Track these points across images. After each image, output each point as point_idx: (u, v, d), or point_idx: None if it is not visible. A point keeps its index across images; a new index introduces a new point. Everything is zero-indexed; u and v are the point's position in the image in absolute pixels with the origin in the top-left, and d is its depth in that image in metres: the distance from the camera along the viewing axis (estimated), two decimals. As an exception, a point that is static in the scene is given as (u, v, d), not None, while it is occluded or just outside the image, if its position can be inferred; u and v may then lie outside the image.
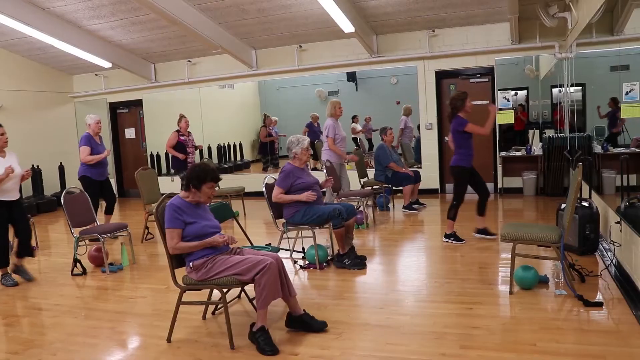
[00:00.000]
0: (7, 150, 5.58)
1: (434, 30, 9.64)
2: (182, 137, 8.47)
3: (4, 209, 5.50)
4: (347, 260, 5.41)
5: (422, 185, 8.89)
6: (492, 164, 9.81)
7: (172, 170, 9.40)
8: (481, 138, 9.75)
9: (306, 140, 5.51)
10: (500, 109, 9.38)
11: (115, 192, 7.63)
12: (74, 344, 3.91)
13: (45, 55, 11.36)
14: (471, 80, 9.98)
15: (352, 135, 11.98)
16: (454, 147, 6.30)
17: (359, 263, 5.38)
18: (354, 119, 12.20)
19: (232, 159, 13.60)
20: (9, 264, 5.69)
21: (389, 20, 9.32)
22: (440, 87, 10.06)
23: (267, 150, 12.80)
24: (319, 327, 3.77)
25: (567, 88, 8.55)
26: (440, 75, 10.00)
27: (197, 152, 8.98)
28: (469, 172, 6.23)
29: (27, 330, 4.32)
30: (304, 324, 3.78)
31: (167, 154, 12.35)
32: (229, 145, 13.47)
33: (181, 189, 3.87)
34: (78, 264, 5.90)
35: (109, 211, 7.64)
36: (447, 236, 6.26)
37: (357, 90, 12.55)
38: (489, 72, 9.71)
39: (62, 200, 5.98)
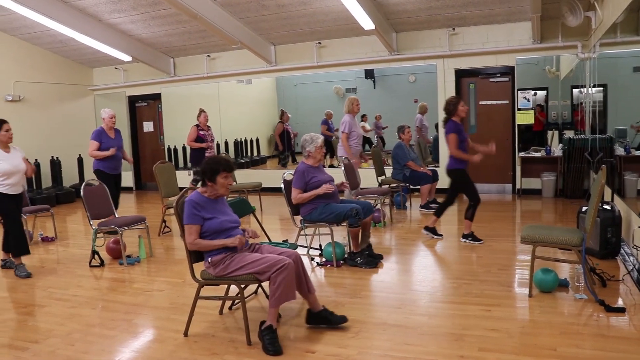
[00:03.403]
0: (12, 146, 5.70)
1: (454, 29, 9.56)
2: (201, 132, 8.49)
3: (12, 202, 5.67)
4: (359, 258, 5.39)
5: (440, 184, 8.82)
6: (511, 165, 9.73)
7: (189, 164, 9.43)
8: (500, 137, 9.76)
9: (320, 138, 5.50)
10: (520, 109, 9.32)
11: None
12: (91, 335, 3.94)
13: (66, 48, 11.46)
14: (491, 80, 9.89)
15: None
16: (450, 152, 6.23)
17: (371, 262, 5.35)
18: (363, 117, 12.13)
19: (249, 154, 13.64)
20: (28, 253, 5.85)
21: (409, 17, 9.26)
22: (459, 86, 9.98)
23: (285, 146, 12.79)
24: (339, 321, 3.76)
25: (589, 89, 8.45)
26: (460, 74, 9.92)
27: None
28: (466, 173, 6.20)
29: (46, 320, 4.36)
30: (323, 319, 3.77)
31: (184, 148, 12.45)
32: (245, 141, 13.51)
33: (191, 183, 3.87)
34: (96, 256, 5.95)
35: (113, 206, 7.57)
36: (465, 236, 6.23)
37: (374, 87, 12.52)
38: (509, 71, 9.61)
39: (81, 193, 6.02)
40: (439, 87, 10.00)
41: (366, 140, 11.72)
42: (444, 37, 9.67)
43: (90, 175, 8.93)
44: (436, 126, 10.41)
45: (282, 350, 3.44)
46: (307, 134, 5.56)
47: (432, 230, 6.52)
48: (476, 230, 6.23)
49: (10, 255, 5.92)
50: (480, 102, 10.01)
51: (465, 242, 6.19)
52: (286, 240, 5.85)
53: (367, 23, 8.50)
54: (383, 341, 3.56)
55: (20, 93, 11.11)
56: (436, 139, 10.44)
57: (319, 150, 5.46)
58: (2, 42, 10.79)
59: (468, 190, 6.22)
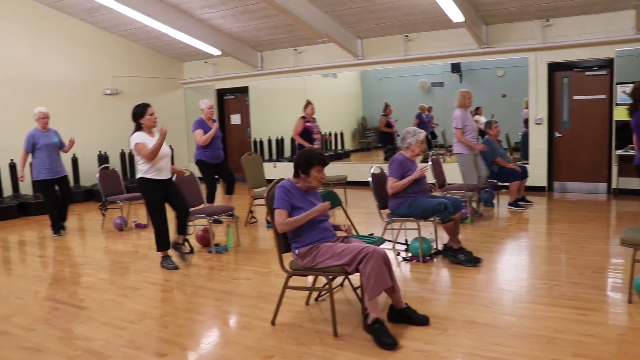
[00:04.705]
0: (155, 131, 5.70)
1: (547, 20, 9.16)
2: (307, 124, 8.41)
3: (160, 188, 5.59)
4: (461, 255, 5.26)
5: (529, 182, 8.52)
6: (607, 163, 9.23)
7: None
8: (594, 134, 9.29)
9: (422, 133, 5.46)
10: (619, 104, 8.81)
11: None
12: (183, 319, 4.10)
13: (160, 43, 11.96)
14: (587, 73, 9.41)
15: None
16: (637, 145, 5.63)
17: (474, 259, 5.21)
18: (477, 110, 11.70)
19: (334, 147, 13.71)
20: (169, 247, 5.72)
21: (500, 9, 8.97)
22: (552, 80, 9.57)
23: (387, 139, 12.68)
24: (422, 321, 3.71)
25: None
26: (553, 68, 9.50)
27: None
28: None
29: (141, 302, 4.58)
30: (406, 317, 3.73)
31: (270, 140, 12.68)
32: (330, 134, 13.58)
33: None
34: (186, 243, 6.16)
35: (229, 191, 7.90)
36: None
37: (461, 81, 12.22)
38: (607, 64, 9.09)
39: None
40: (530, 81, 9.63)
41: (482, 134, 11.26)
42: (537, 29, 9.29)
43: (180, 166, 9.28)
44: (525, 122, 10.06)
45: (397, 341, 3.40)
46: (410, 127, 5.55)
47: None
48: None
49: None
50: (574, 97, 9.55)
51: None
52: (372, 234, 5.83)
53: (456, 15, 8.32)
54: (471, 340, 3.49)
55: (117, 87, 11.73)
56: (525, 135, 10.08)
57: (419, 144, 5.42)
58: (103, 39, 11.44)
59: None
